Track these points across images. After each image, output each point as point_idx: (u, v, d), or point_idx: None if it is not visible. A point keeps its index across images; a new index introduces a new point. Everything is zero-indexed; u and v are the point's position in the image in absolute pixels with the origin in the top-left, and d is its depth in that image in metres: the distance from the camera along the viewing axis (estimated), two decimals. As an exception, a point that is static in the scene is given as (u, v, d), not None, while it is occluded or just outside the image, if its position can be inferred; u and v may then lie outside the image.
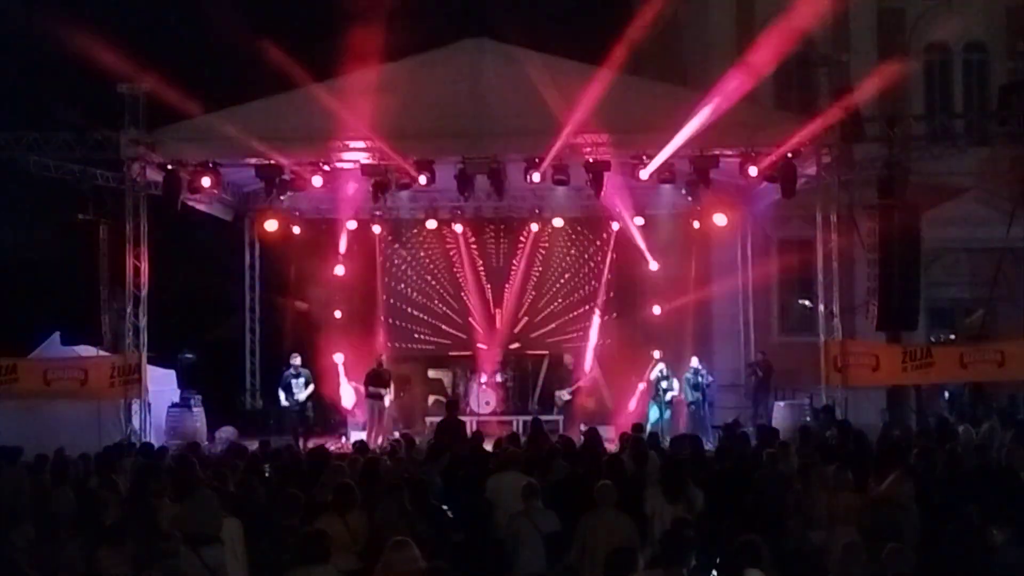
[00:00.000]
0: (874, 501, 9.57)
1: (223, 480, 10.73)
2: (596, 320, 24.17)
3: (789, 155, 18.77)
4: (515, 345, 24.15)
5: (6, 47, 25.60)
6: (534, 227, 23.94)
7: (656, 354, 21.00)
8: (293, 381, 20.49)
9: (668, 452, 13.22)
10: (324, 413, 22.24)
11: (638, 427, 15.86)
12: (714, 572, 8.09)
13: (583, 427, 18.77)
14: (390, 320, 24.70)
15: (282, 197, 20.46)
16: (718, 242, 23.99)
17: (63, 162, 18.88)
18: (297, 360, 20.83)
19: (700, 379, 20.83)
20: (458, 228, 24.10)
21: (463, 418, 19.52)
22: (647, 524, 9.69)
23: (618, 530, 9.07)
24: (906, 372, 18.81)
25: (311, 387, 20.76)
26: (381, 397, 20.83)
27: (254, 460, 12.89)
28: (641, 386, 21.28)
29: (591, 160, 18.77)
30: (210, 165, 19.15)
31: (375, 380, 20.94)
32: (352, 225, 23.32)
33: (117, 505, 10.06)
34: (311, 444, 17.83)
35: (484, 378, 22.89)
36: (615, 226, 23.48)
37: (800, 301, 23.28)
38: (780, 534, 9.17)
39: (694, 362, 21.08)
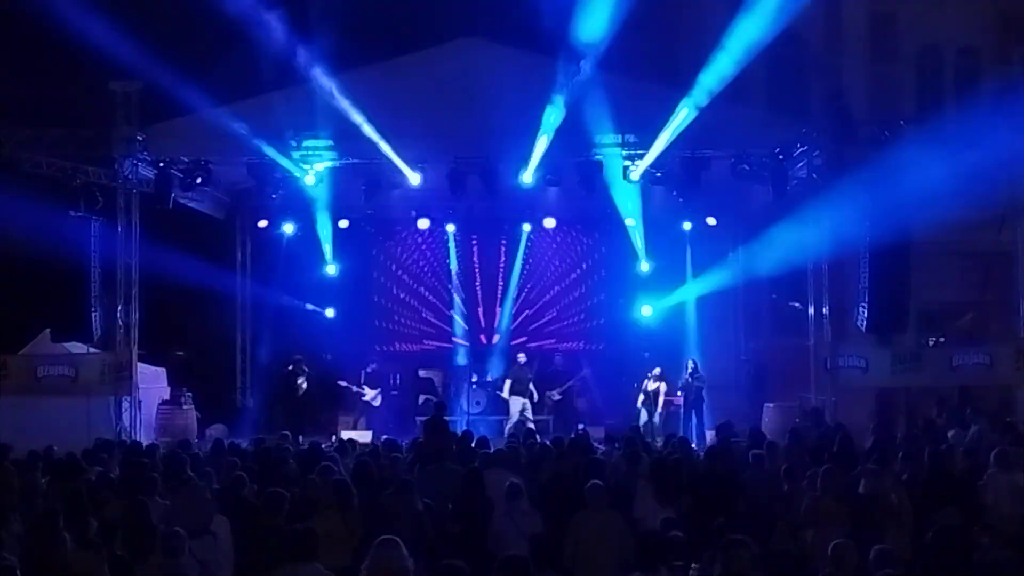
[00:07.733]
0: (851, 502, 9.63)
1: (210, 478, 10.73)
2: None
3: (780, 157, 18.82)
4: (504, 344, 24.16)
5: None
6: (526, 227, 23.96)
7: (656, 370, 20.99)
8: (296, 380, 20.55)
9: (660, 454, 13.23)
10: (315, 412, 22.26)
11: (633, 428, 15.85)
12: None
13: (580, 427, 18.79)
14: (381, 319, 24.71)
15: (274, 195, 20.46)
16: (708, 244, 23.99)
17: (55, 159, 18.86)
18: (298, 359, 20.95)
19: (692, 380, 20.83)
20: (450, 228, 24.12)
21: (454, 418, 19.57)
22: (637, 526, 9.70)
23: (609, 530, 9.09)
24: (895, 375, 18.84)
25: (306, 386, 20.81)
26: (372, 397, 20.89)
27: (241, 458, 12.89)
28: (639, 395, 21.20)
29: (583, 161, 18.80)
30: (202, 163, 19.14)
31: (366, 380, 20.98)
32: (344, 224, 23.32)
33: (109, 502, 10.05)
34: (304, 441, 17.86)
35: (475, 378, 22.90)
36: (606, 227, 23.51)
37: (790, 303, 23.30)
38: (768, 535, 9.21)
39: (691, 364, 21.09)
